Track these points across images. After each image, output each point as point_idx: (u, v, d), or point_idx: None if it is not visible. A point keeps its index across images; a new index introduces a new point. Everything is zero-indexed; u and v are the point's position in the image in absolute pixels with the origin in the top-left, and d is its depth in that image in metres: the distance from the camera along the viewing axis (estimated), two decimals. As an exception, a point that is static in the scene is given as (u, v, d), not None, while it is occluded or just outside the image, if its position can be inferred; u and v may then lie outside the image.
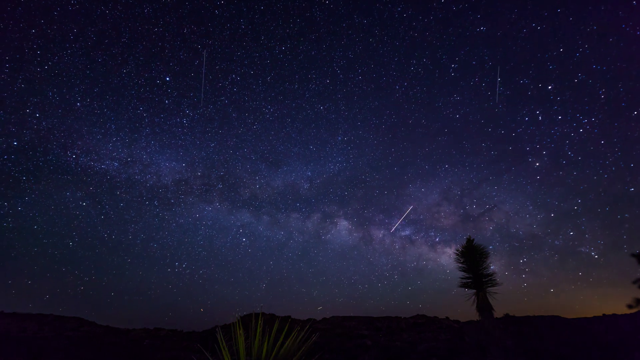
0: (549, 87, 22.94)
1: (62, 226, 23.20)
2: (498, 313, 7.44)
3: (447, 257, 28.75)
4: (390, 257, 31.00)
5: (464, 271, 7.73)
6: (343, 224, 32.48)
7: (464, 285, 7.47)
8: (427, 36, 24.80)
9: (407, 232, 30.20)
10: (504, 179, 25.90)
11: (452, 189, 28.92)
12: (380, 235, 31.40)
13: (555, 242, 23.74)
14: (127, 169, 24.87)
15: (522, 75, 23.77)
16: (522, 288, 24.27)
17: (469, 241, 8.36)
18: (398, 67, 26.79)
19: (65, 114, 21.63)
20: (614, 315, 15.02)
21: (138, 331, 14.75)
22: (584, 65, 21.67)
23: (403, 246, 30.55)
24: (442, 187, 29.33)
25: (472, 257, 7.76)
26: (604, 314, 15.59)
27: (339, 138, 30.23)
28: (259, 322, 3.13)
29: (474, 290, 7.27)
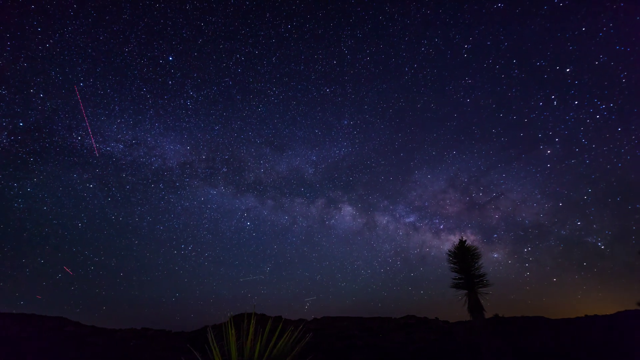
0: (567, 70, 21.47)
1: (70, 207, 23.34)
2: (488, 313, 7.54)
3: (451, 244, 28.30)
4: (394, 244, 31.03)
5: (456, 272, 7.79)
6: (347, 209, 32.38)
7: (456, 286, 7.53)
8: (440, 14, 23.08)
9: (412, 219, 30.12)
10: (512, 166, 25.24)
11: (458, 176, 28.56)
12: (384, 222, 31.37)
13: (562, 231, 23.62)
14: (132, 151, 24.62)
15: (539, 56, 22.17)
16: (525, 277, 24.14)
17: (462, 242, 8.43)
18: (408, 47, 25.24)
19: (69, 94, 21.32)
20: (595, 315, 15.46)
21: (125, 331, 14.39)
22: (607, 46, 20.16)
23: (407, 233, 30.52)
24: (448, 174, 29.01)
25: (464, 258, 7.83)
26: (586, 315, 16.02)
27: (345, 122, 29.62)
28: (252, 321, 3.05)
29: (465, 291, 7.33)
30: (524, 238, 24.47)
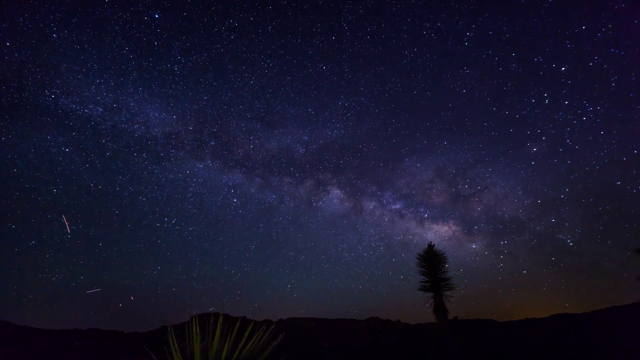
0: (562, 69, 21.72)
1: (44, 171, 21.32)
2: (450, 315, 7.89)
3: (434, 233, 29.86)
4: (379, 229, 31.79)
5: (424, 275, 8.06)
6: (335, 192, 32.56)
7: (424, 289, 7.78)
8: (445, -4, 22.18)
9: (398, 206, 31.07)
10: (499, 161, 26.36)
11: (447, 167, 29.56)
12: (371, 207, 32.05)
13: (537, 227, 25.54)
14: (113, 115, 22.88)
15: (538, 52, 22.22)
16: (498, 268, 25.90)
17: (430, 247, 8.75)
18: (410, 29, 24.55)
19: (40, 45, 18.94)
20: (534, 318, 17.14)
21: (66, 332, 12.96)
22: (603, 48, 20.41)
23: (392, 219, 31.45)
24: (437, 164, 30.02)
25: (432, 261, 8.13)
26: (526, 318, 17.68)
27: (339, 103, 29.07)
28: (219, 321, 2.82)
29: (432, 294, 7.60)
30: (502, 231, 26.38)
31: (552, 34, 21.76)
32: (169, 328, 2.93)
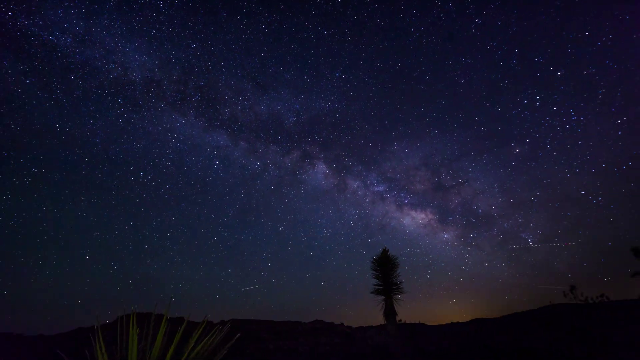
0: (559, 73, 21.01)
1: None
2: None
3: (411, 219, 30.69)
4: (359, 209, 31.77)
5: (376, 278, 8.30)
6: (321, 167, 31.67)
7: (376, 292, 8.00)
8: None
9: (381, 189, 31.26)
10: (483, 157, 27.35)
11: (433, 156, 30.11)
12: (355, 186, 31.79)
13: (505, 225, 27.76)
14: (85, 49, 19.38)
15: (539, 52, 21.12)
16: (464, 258, 27.61)
17: (384, 252, 9.07)
18: (420, 6, 22.48)
19: None
20: (458, 322, 19.05)
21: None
22: (599, 59, 19.77)
23: (373, 201, 31.58)
24: (425, 152, 30.49)
25: (386, 266, 8.43)
26: (451, 322, 19.64)
27: (337, 74, 27.40)
28: (165, 318, 2.44)
29: (383, 297, 7.86)
30: (473, 225, 28.42)
31: (556, 34, 20.59)
32: (96, 328, 2.44)
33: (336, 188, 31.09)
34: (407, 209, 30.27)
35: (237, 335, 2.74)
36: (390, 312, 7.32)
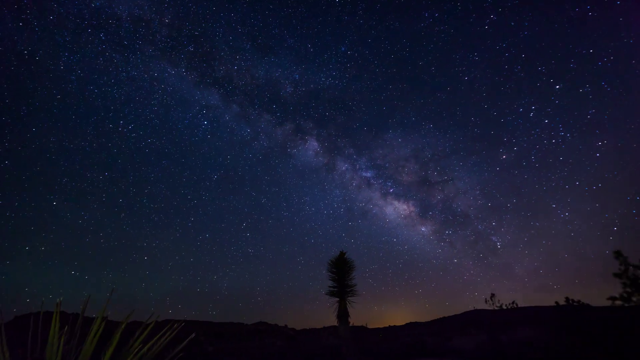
0: (557, 87, 20.66)
1: None
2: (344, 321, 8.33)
3: (393, 208, 30.31)
4: (344, 191, 30.50)
5: (332, 280, 8.29)
6: (313, 144, 29.69)
7: (331, 293, 7.98)
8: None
9: (369, 174, 30.38)
10: (472, 158, 26.53)
11: (425, 150, 29.49)
12: (344, 168, 30.42)
13: (479, 226, 28.55)
14: None
15: (544, 61, 20.56)
16: (436, 252, 28.20)
17: (342, 254, 9.15)
18: None
19: None
20: (395, 325, 20.35)
21: None
22: (596, 79, 19.62)
23: (359, 185, 30.59)
24: (417, 145, 29.94)
25: (342, 268, 8.49)
26: (389, 325, 20.90)
27: (343, 48, 24.48)
28: (100, 316, 1.97)
29: (337, 299, 7.87)
30: (450, 222, 29.35)
31: (563, 46, 20.20)
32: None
33: (325, 167, 30.39)
34: (390, 198, 30.93)
35: (193, 335, 2.37)
36: (343, 314, 7.35)
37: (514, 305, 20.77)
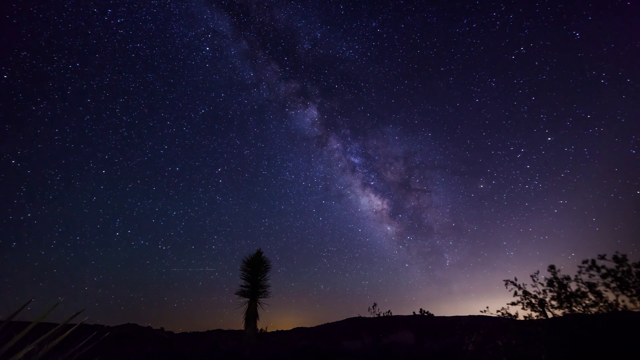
0: (549, 139, 20.60)
1: None
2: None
3: (368, 200, 28.13)
4: (328, 169, 27.03)
5: (245, 279, 7.84)
6: (312, 112, 25.40)
7: (241, 293, 7.51)
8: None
9: (357, 161, 27.43)
10: (454, 178, 26.68)
11: (416, 156, 27.72)
12: (335, 147, 26.83)
13: (437, 241, 28.52)
14: None
15: (548, 110, 20.14)
16: (393, 253, 27.57)
17: (259, 253, 8.83)
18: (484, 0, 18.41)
19: None
20: (283, 330, 20.90)
21: None
22: (583, 144, 19.92)
23: (344, 168, 27.46)
24: (411, 148, 28.01)
25: (258, 268, 8.16)
26: (276, 329, 21.28)
27: (374, 24, 22.36)
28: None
29: (248, 299, 7.47)
30: (414, 230, 29.34)
31: (566, 102, 20.11)
32: None
33: (317, 139, 28.16)
34: (369, 190, 30.68)
35: (87, 340, 1.84)
36: (251, 315, 7.01)
37: (389, 313, 24.53)
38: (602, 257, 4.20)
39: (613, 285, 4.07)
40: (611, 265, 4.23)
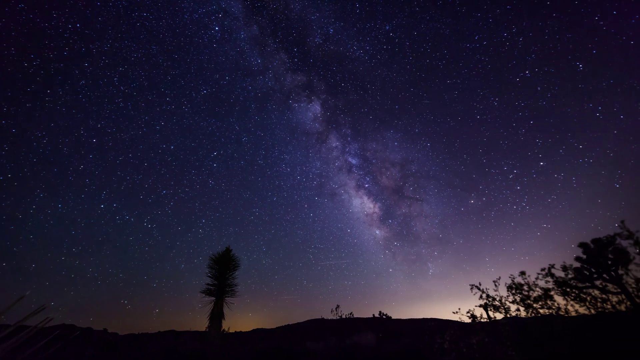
0: (541, 164, 20.43)
1: None
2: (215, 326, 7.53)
3: (360, 202, 27.16)
4: (324, 167, 25.74)
5: (212, 277, 7.41)
6: (315, 107, 23.96)
7: (207, 291, 7.07)
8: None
9: (354, 162, 26.49)
10: (447, 191, 27.17)
11: (412, 164, 27.25)
12: (334, 145, 25.51)
13: (423, 250, 28.85)
14: None
15: (544, 136, 19.39)
16: (379, 257, 27.01)
17: (228, 250, 8.43)
18: (496, 19, 18.62)
19: None
20: (241, 332, 20.37)
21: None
22: (574, 171, 19.63)
23: (340, 167, 26.41)
24: (408, 156, 27.28)
25: (226, 265, 7.76)
26: (235, 331, 20.76)
27: (387, 27, 20.83)
28: None
29: (214, 298, 7.05)
30: (402, 237, 28.99)
31: (561, 129, 19.71)
32: None
33: (317, 135, 27.29)
34: (362, 192, 30.42)
35: (47, 341, 1.57)
36: (217, 315, 6.62)
37: (351, 315, 25.02)
38: (552, 267, 4.71)
39: (558, 290, 4.57)
40: (560, 273, 4.72)
